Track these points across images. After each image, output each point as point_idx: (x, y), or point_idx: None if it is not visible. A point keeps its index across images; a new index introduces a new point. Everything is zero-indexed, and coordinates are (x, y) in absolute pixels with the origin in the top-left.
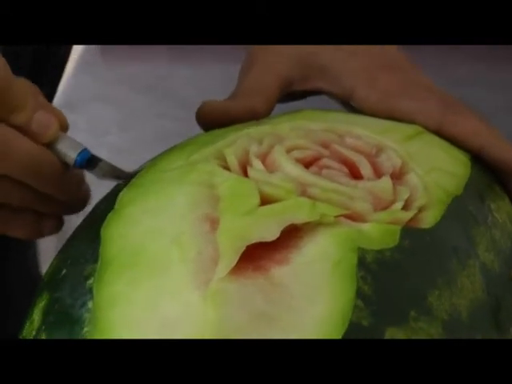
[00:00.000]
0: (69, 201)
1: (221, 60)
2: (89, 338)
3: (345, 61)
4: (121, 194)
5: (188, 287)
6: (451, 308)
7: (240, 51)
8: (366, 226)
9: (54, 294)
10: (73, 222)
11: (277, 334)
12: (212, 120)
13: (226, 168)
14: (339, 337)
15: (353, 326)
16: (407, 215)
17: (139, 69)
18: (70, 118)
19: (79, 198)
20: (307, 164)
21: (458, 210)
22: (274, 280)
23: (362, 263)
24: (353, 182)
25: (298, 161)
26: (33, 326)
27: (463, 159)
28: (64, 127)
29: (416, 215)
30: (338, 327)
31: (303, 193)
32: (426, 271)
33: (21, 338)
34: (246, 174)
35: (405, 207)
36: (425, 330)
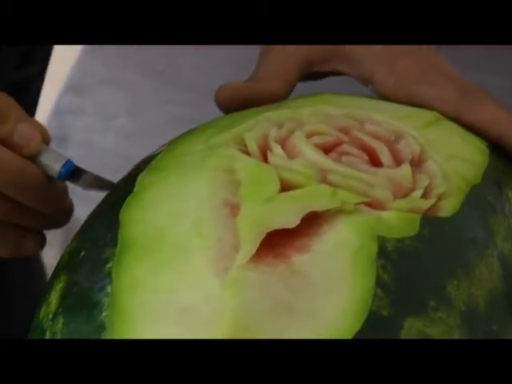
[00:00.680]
0: (52, 214)
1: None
2: (107, 322)
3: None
4: (140, 176)
5: (208, 274)
6: (469, 298)
7: None
8: (385, 214)
9: (72, 276)
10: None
11: (296, 321)
12: (231, 102)
13: (246, 152)
14: (359, 326)
15: (372, 314)
16: (427, 203)
17: (148, 53)
18: (78, 101)
19: (63, 211)
20: (327, 150)
21: (477, 199)
22: (294, 268)
23: (383, 252)
24: (372, 169)
25: (318, 146)
26: (49, 309)
27: (481, 147)
28: (46, 140)
29: (435, 204)
30: (358, 316)
31: (323, 179)
32: (445, 261)
33: (36, 320)
34: (265, 158)
35: (424, 195)
36: (443, 320)
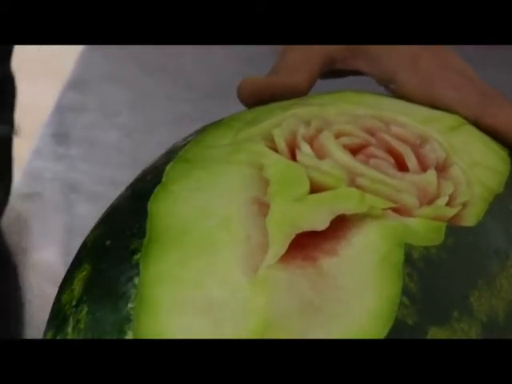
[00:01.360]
0: None
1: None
2: (133, 314)
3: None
4: (167, 167)
5: (236, 271)
6: (490, 309)
7: None
8: (411, 221)
9: (97, 264)
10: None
11: (323, 324)
12: (253, 97)
13: (274, 149)
14: (385, 333)
15: (398, 322)
16: (451, 211)
17: (149, 50)
18: (80, 98)
19: None
20: (354, 151)
21: (499, 208)
22: (323, 270)
23: (409, 259)
24: (399, 174)
25: (346, 147)
26: (73, 295)
27: (503, 155)
28: None
29: (459, 212)
30: (384, 323)
31: (352, 182)
32: (468, 271)
33: (57, 305)
34: (293, 156)
35: (449, 203)
36: (465, 331)
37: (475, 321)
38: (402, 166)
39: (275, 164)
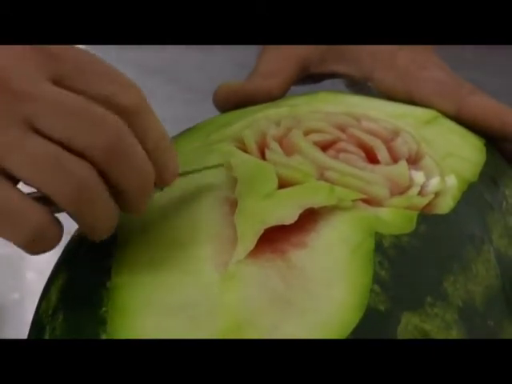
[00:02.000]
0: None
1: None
2: (107, 318)
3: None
4: None
5: (207, 269)
6: (466, 295)
7: None
8: (382, 211)
9: (71, 272)
10: None
11: (294, 316)
12: (228, 101)
13: (244, 150)
14: (356, 321)
15: (370, 310)
16: (423, 201)
17: (148, 51)
18: None
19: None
20: (324, 147)
21: (473, 196)
22: (292, 263)
23: (380, 248)
24: (370, 166)
25: (316, 144)
26: (49, 305)
27: (479, 145)
28: None
29: (431, 201)
30: (356, 311)
31: (321, 176)
32: (442, 257)
33: (36, 316)
34: (263, 156)
35: (420, 192)
36: (440, 315)
37: (450, 305)
38: (373, 159)
39: (243, 163)
